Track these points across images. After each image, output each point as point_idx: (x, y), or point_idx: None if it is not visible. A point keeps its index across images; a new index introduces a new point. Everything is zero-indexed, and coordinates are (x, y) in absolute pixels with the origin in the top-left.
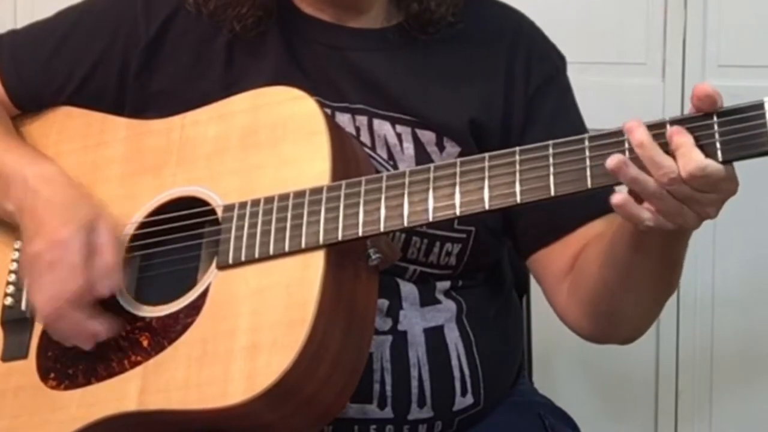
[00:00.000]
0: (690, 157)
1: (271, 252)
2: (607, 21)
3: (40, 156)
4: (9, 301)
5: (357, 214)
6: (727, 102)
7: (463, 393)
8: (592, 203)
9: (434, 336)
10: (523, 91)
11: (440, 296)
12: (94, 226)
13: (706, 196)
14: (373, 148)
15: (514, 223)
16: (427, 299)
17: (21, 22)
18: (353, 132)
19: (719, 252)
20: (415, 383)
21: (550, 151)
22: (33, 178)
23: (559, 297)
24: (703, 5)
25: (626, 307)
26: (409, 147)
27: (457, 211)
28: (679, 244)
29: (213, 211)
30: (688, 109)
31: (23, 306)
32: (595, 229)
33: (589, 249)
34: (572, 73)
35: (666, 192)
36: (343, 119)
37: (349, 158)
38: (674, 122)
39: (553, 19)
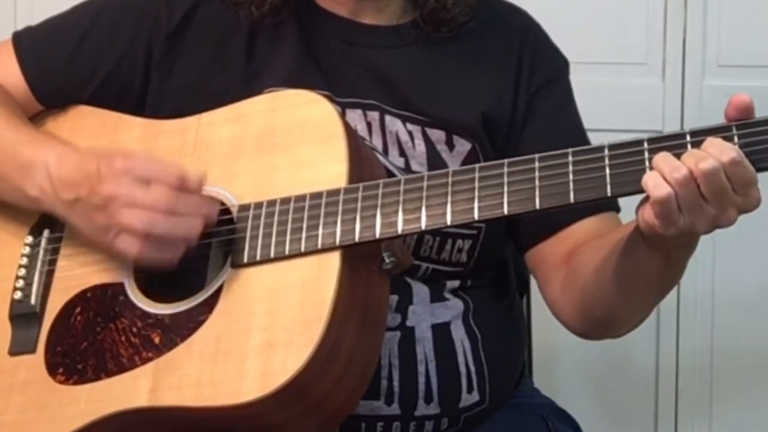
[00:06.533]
0: (728, 146)
1: (287, 252)
2: (607, 21)
3: (54, 138)
4: (18, 295)
5: (374, 216)
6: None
7: (469, 390)
8: None
9: (441, 332)
10: (527, 89)
11: (448, 294)
12: (131, 152)
13: (735, 197)
14: (384, 144)
15: (515, 219)
16: (436, 296)
17: (21, 22)
18: (365, 128)
19: (719, 252)
20: (422, 379)
21: (570, 158)
22: (54, 159)
23: (552, 290)
24: (703, 5)
25: (622, 313)
26: (420, 144)
27: (476, 216)
28: (686, 253)
29: (227, 211)
30: (722, 117)
31: (33, 300)
32: (589, 225)
33: (585, 254)
34: (572, 73)
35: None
36: (354, 115)
37: (364, 162)
38: (695, 133)
39: (553, 19)
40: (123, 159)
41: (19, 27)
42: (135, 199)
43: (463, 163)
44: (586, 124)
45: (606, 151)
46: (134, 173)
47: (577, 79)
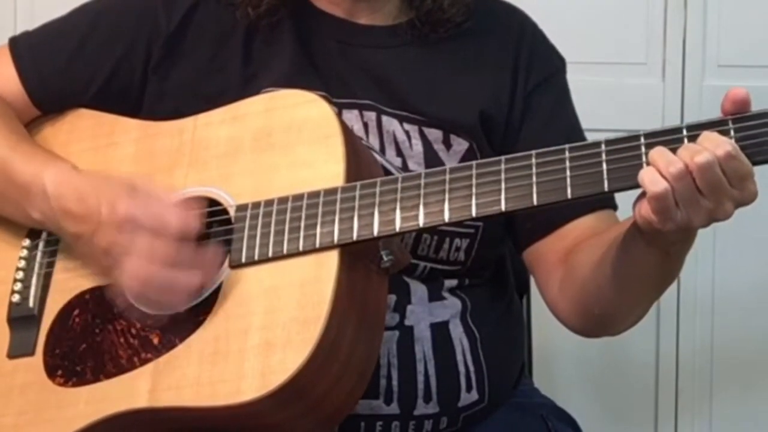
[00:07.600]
0: (723, 140)
1: (285, 251)
2: (607, 21)
3: (51, 156)
4: (16, 298)
5: (372, 214)
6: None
7: (468, 389)
8: None
9: (440, 331)
10: (523, 87)
11: (446, 293)
12: (133, 187)
13: (731, 190)
14: (381, 144)
15: (513, 218)
16: (434, 295)
17: (20, 22)
18: (361, 128)
19: (719, 252)
20: (421, 378)
21: (567, 154)
22: (51, 184)
23: (550, 288)
24: (703, 5)
25: (620, 310)
26: (417, 144)
27: (473, 213)
28: (684, 248)
29: (224, 211)
30: (720, 112)
31: (31, 303)
32: (586, 222)
33: (582, 252)
34: (572, 73)
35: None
36: (351, 115)
37: (361, 161)
38: (691, 127)
39: (553, 19)
40: (126, 204)
41: (19, 30)
42: (135, 249)
43: (461, 162)
44: (586, 123)
45: (603, 147)
46: (137, 222)
47: (577, 79)
